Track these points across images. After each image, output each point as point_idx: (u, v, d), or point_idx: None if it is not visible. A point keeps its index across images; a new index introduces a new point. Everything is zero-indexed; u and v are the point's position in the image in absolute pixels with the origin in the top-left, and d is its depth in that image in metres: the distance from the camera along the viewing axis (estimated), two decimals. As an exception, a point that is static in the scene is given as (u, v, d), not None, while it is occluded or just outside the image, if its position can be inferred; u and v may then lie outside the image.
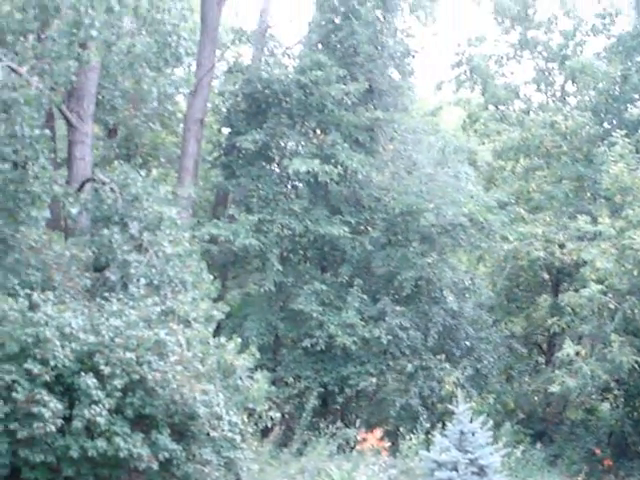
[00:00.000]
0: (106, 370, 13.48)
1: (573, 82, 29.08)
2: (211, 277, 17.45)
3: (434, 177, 23.71)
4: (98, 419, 13.26)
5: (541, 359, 28.65)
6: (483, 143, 30.68)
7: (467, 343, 24.00)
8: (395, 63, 24.84)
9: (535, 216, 26.29)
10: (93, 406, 13.32)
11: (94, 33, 13.44)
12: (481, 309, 25.20)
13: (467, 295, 24.84)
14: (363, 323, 22.26)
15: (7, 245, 14.88)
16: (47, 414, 13.01)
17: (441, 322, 23.13)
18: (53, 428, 13.12)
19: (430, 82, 33.25)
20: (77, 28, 13.59)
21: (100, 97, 20.51)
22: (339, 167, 22.63)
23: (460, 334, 23.95)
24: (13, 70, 15.01)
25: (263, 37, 25.86)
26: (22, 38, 15.02)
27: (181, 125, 25.40)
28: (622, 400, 24.94)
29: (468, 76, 30.50)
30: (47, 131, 14.97)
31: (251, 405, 16.16)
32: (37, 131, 14.38)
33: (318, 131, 24.13)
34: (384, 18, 24.44)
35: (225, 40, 27.32)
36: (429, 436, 19.40)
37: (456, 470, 15.12)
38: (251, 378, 16.19)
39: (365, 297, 22.82)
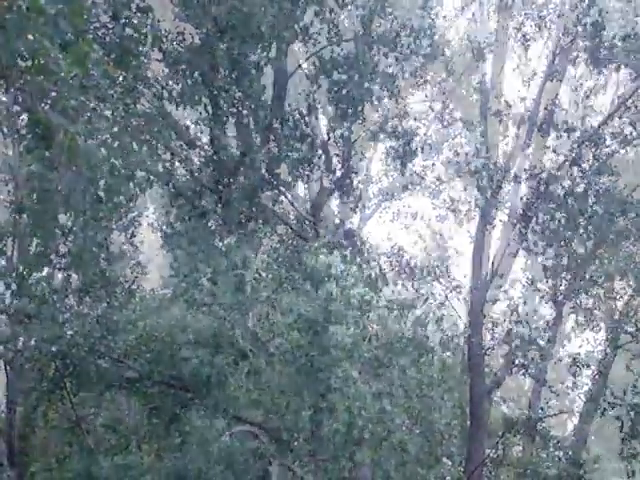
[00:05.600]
0: None
1: None
2: None
3: None
4: None
5: None
6: None
7: None
8: None
9: None
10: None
11: (366, 435, 13.81)
12: None
13: None
14: None
15: None
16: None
17: None
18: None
19: None
20: (351, 429, 14.03)
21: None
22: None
23: None
24: (289, 469, 15.54)
25: (534, 428, 25.46)
26: (296, 434, 15.65)
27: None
28: None
29: None
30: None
31: None
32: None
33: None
34: None
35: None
36: None
37: None
38: None
39: None
